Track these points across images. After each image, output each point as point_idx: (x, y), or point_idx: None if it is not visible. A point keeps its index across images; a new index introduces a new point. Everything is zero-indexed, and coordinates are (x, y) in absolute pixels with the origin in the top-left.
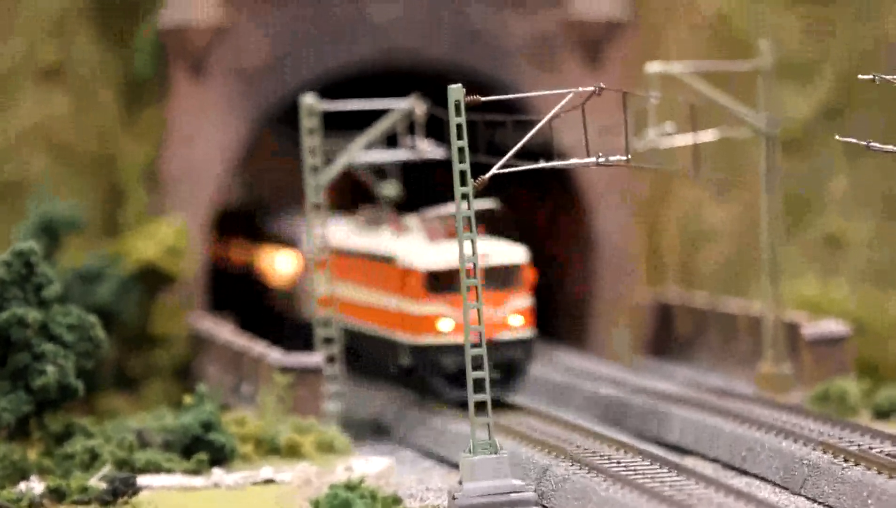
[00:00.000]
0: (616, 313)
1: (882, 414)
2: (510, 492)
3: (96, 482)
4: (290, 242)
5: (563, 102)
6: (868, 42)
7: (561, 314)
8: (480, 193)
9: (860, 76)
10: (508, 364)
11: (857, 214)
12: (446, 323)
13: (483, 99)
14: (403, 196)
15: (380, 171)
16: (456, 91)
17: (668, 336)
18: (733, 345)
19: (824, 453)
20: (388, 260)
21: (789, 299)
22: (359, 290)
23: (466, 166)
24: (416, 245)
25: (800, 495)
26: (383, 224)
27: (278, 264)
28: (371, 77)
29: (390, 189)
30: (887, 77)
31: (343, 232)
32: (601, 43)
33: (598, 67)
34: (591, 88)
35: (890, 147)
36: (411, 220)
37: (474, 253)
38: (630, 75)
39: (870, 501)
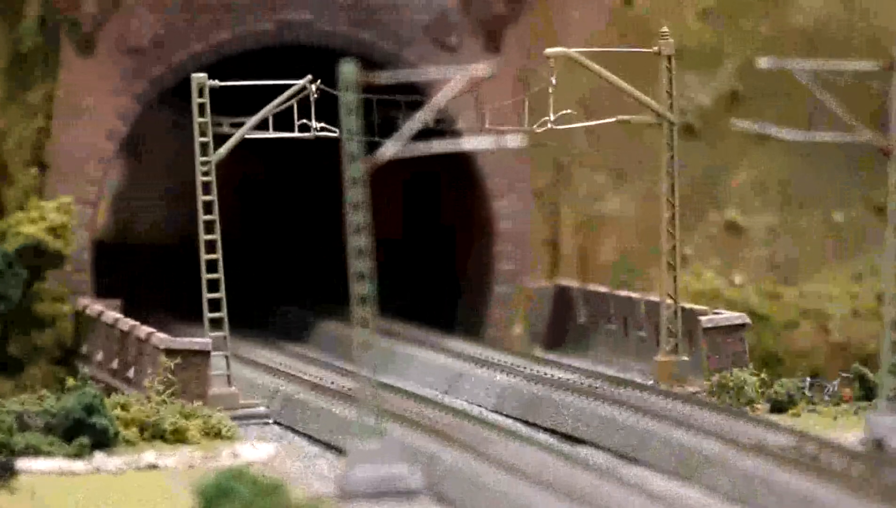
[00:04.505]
0: (514, 302)
1: (778, 407)
2: (397, 479)
3: None
4: None
5: (452, 84)
6: (771, 29)
7: (458, 302)
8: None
9: (759, 59)
10: None
11: (756, 204)
12: None
13: (376, 78)
14: None
15: None
16: (348, 69)
17: (565, 325)
18: (632, 335)
19: (718, 444)
20: None
21: (688, 289)
22: None
23: (358, 147)
24: None
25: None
26: None
27: None
28: (267, 53)
29: None
30: (784, 63)
31: None
32: (502, 23)
33: (498, 47)
34: (485, 69)
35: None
36: None
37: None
38: (531, 57)
39: (763, 492)
